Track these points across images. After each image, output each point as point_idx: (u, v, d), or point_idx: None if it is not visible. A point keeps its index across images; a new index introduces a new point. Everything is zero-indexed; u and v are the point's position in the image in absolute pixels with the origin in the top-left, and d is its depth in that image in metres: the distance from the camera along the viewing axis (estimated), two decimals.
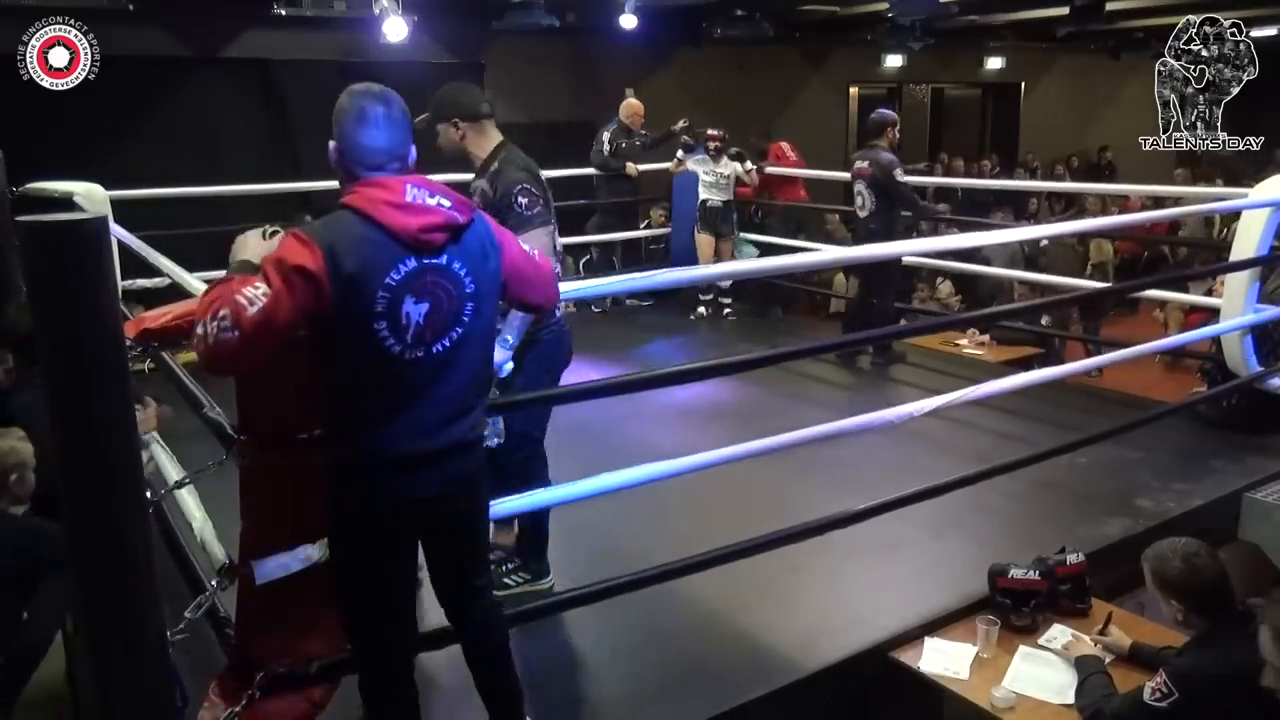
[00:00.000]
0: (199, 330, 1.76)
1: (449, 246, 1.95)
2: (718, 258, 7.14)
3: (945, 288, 8.37)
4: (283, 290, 1.77)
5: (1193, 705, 2.32)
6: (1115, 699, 2.51)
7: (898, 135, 5.97)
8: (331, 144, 2.00)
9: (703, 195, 7.10)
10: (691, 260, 7.13)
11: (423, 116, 2.80)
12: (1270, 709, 2.29)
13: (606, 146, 7.44)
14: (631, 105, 7.59)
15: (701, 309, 7.26)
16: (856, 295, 6.54)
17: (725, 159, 7.05)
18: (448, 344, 1.97)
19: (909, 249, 5.43)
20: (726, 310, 7.26)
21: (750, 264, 3.71)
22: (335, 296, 1.83)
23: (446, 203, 1.95)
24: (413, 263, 1.89)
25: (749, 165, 7.25)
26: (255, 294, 1.75)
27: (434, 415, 1.99)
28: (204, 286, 2.93)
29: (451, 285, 1.95)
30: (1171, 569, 2.51)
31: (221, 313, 1.74)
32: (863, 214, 5.86)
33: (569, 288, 2.70)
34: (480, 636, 2.29)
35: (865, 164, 5.80)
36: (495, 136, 3.01)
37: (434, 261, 1.92)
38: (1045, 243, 8.11)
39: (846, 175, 8.81)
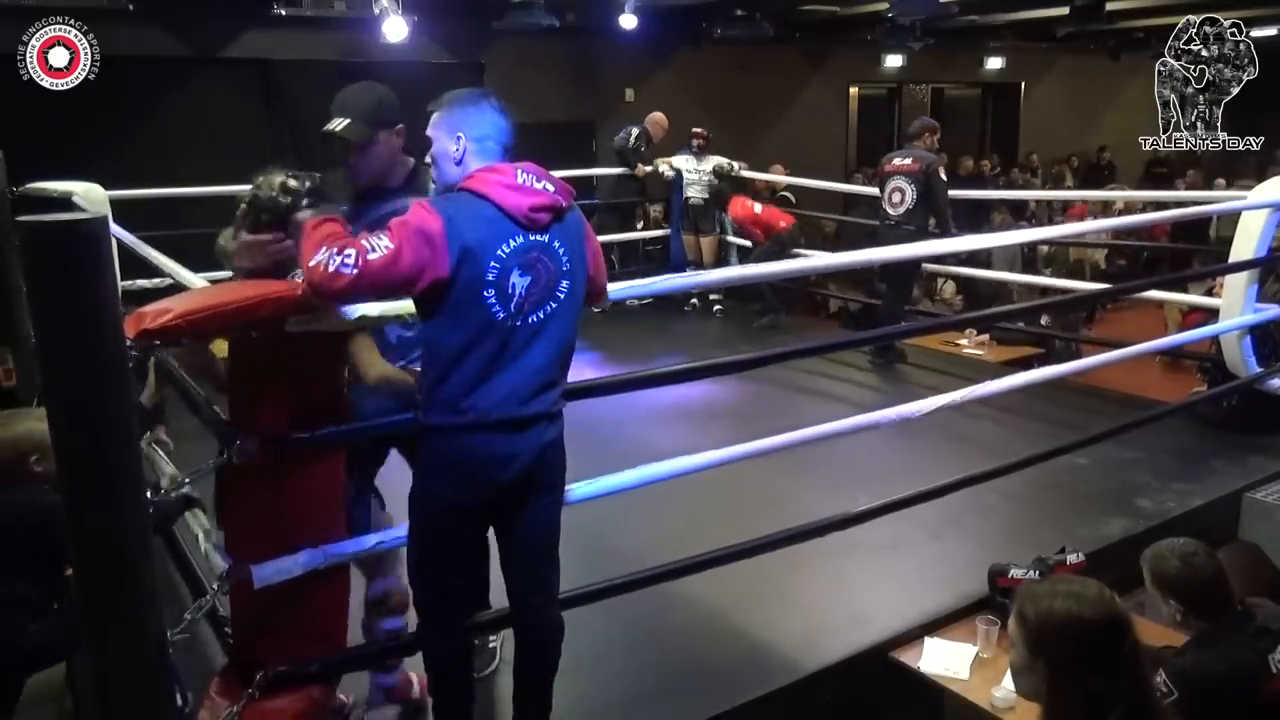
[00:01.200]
0: (320, 256, 1.94)
1: (553, 226, 2.13)
2: (699, 254, 7.28)
3: (948, 288, 8.38)
4: (404, 247, 1.97)
5: (1192, 704, 2.31)
6: None
7: (936, 142, 5.99)
8: (444, 138, 2.16)
9: (687, 193, 7.26)
10: (683, 263, 7.27)
11: (343, 123, 2.45)
12: (1271, 709, 2.29)
13: (631, 140, 7.51)
14: (662, 121, 7.77)
15: (695, 300, 7.37)
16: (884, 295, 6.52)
17: (708, 156, 7.18)
18: (541, 316, 2.12)
19: (914, 252, 5.42)
20: (717, 308, 7.30)
21: (761, 268, 3.69)
22: (454, 262, 2.01)
23: (551, 187, 2.14)
24: (521, 238, 2.08)
25: (732, 163, 7.33)
26: (379, 244, 1.97)
27: (528, 383, 2.12)
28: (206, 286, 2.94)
29: (551, 262, 2.13)
30: (1169, 568, 2.50)
31: (347, 250, 1.95)
32: (897, 211, 5.76)
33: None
34: (539, 639, 2.32)
35: (909, 160, 5.75)
36: None
37: (539, 239, 2.11)
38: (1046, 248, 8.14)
39: (846, 187, 8.90)
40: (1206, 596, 2.46)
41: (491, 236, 2.05)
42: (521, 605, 2.32)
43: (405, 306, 2.23)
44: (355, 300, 2.06)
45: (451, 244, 2.01)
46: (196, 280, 3.21)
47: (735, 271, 3.91)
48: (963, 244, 5.30)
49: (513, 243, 2.07)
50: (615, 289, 2.62)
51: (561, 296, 2.15)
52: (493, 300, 2.05)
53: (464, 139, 2.15)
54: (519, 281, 2.07)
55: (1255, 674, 2.31)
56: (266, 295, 2.02)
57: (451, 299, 2.05)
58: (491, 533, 2.30)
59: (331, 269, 1.93)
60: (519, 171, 2.12)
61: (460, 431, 2.08)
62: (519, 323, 2.09)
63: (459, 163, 2.16)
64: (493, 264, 2.04)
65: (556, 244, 2.13)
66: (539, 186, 2.11)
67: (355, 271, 1.94)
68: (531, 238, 2.09)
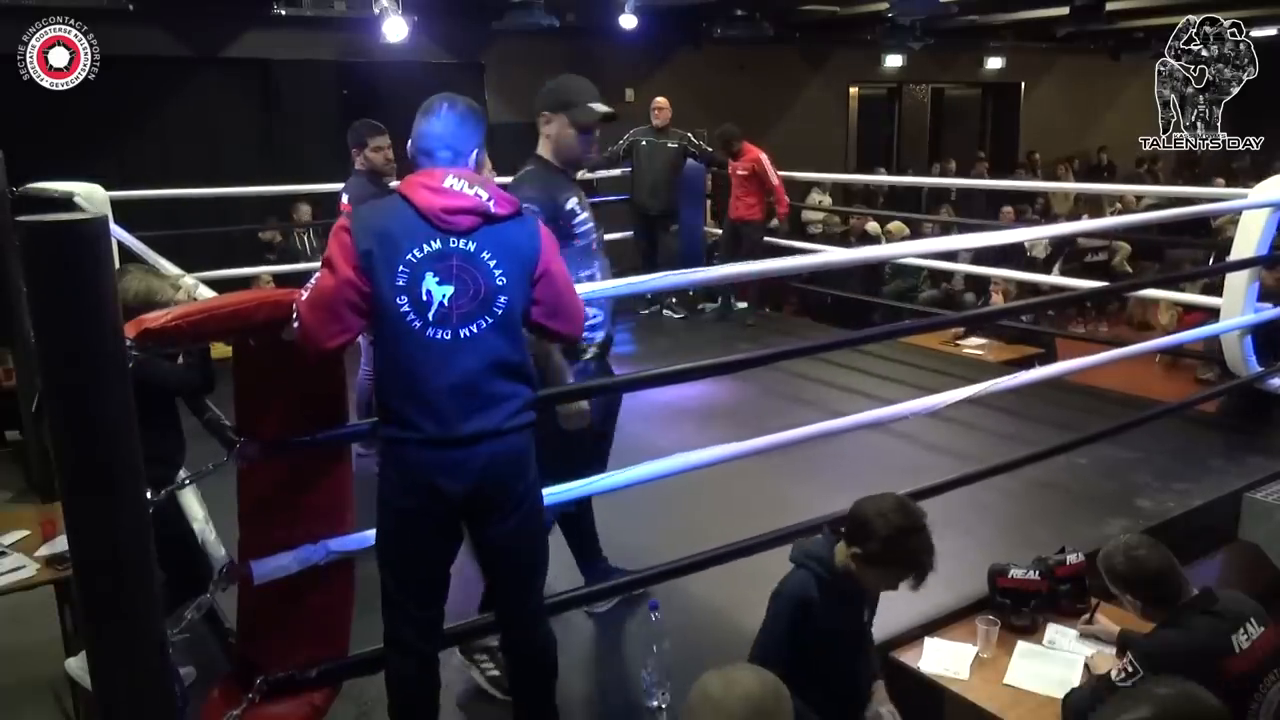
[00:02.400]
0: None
1: (479, 233, 2.03)
2: None
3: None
4: (328, 262, 1.98)
5: None
6: (1085, 686, 2.55)
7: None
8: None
9: None
10: (701, 254, 7.16)
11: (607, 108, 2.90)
12: (1233, 687, 2.32)
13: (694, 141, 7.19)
14: (663, 105, 7.23)
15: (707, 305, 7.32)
16: None
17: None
18: (475, 330, 2.02)
19: (914, 249, 5.42)
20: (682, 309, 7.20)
21: (759, 265, 3.64)
22: (362, 264, 1.97)
23: (484, 194, 2.04)
24: (438, 243, 2.00)
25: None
26: (312, 282, 1.99)
27: (465, 399, 2.02)
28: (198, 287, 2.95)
29: (479, 273, 2.02)
30: (1117, 564, 2.59)
31: (295, 309, 1.98)
32: None
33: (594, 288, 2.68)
34: (526, 654, 2.29)
35: None
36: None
37: (459, 246, 2.01)
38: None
39: (852, 178, 8.91)
40: (1158, 585, 2.54)
41: (401, 238, 1.98)
42: (505, 623, 2.29)
43: None
44: (323, 337, 1.98)
45: (358, 244, 1.97)
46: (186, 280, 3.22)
47: (738, 269, 3.85)
48: (950, 244, 5.33)
49: (427, 247, 1.98)
50: (618, 286, 2.62)
51: (499, 312, 2.03)
52: (405, 308, 1.97)
53: (412, 142, 2.15)
54: (437, 290, 1.98)
55: (1218, 652, 2.38)
56: (263, 301, 2.04)
57: (371, 305, 2.00)
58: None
59: (294, 335, 1.99)
60: (449, 176, 2.04)
61: (403, 445, 2.03)
62: (445, 335, 1.99)
63: (414, 164, 2.17)
64: (401, 268, 1.97)
65: (485, 254, 2.02)
66: (469, 192, 2.02)
67: (297, 322, 1.97)
68: (452, 244, 1.99)
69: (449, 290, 1.99)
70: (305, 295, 1.97)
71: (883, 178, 10.67)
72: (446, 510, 2.08)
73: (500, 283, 2.03)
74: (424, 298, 1.98)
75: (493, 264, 2.03)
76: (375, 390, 2.11)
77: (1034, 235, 6.79)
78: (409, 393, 2.01)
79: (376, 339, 2.05)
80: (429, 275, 1.98)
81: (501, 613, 2.29)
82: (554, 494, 2.58)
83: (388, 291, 1.97)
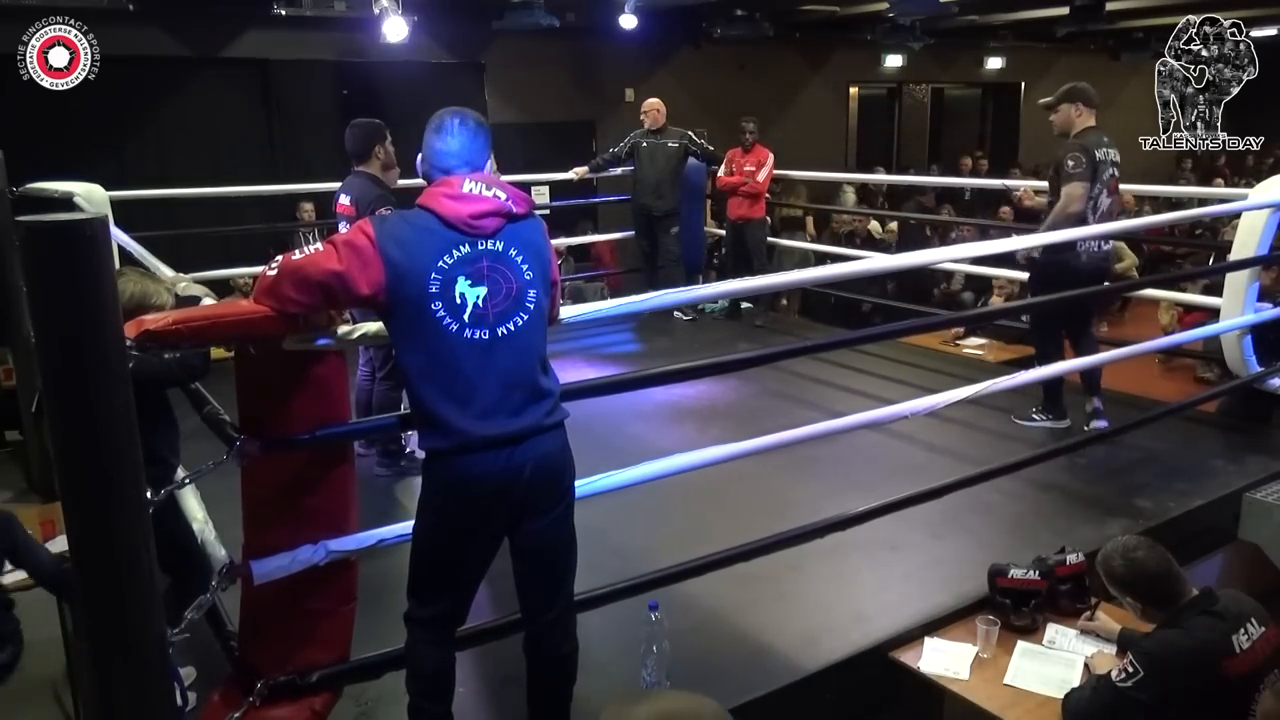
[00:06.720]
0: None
1: (504, 233, 2.08)
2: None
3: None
4: (329, 252, 1.98)
5: (1159, 681, 2.37)
6: (1086, 686, 2.56)
7: None
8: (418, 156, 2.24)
9: None
10: (702, 255, 7.12)
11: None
12: (1234, 687, 2.33)
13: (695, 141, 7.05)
14: (656, 106, 7.06)
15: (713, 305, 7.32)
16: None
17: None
18: (512, 328, 2.07)
19: (934, 257, 5.38)
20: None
21: (798, 275, 3.55)
22: (390, 276, 1.98)
23: (502, 195, 2.09)
24: (466, 247, 2.04)
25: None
26: (307, 249, 2.01)
27: (511, 396, 2.06)
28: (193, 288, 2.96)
29: (510, 271, 2.08)
30: (1116, 567, 2.60)
31: (276, 258, 2.00)
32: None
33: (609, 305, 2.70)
34: (547, 656, 2.28)
35: None
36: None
37: (489, 246, 2.06)
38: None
39: (852, 177, 8.89)
40: (1157, 586, 2.55)
41: (429, 247, 2.01)
42: (530, 623, 2.28)
43: None
44: (280, 297, 1.98)
45: (384, 256, 1.98)
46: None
47: (776, 279, 3.79)
48: (966, 251, 5.33)
49: (457, 252, 2.02)
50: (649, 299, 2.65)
51: (531, 307, 2.10)
52: (441, 312, 2.00)
53: (424, 160, 2.19)
54: (470, 292, 2.02)
55: (1219, 652, 2.39)
56: (267, 316, 2.03)
57: (401, 316, 2.02)
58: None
59: (261, 276, 2.01)
60: (466, 181, 2.08)
61: (450, 455, 2.04)
62: (483, 334, 2.03)
63: (426, 181, 2.19)
64: (434, 275, 2.00)
65: (513, 252, 2.08)
66: (488, 195, 2.07)
67: (275, 271, 1.98)
68: (480, 246, 2.04)
69: (482, 291, 2.03)
70: (296, 255, 1.99)
71: (882, 177, 10.67)
72: (498, 516, 2.10)
73: (528, 278, 2.10)
74: (458, 301, 2.02)
75: (519, 260, 2.09)
76: (411, 401, 2.11)
77: (1028, 243, 6.74)
78: (451, 395, 2.02)
79: (409, 349, 2.04)
80: (461, 279, 2.02)
81: (528, 612, 2.27)
82: (585, 486, 2.57)
83: (421, 299, 2.00)
